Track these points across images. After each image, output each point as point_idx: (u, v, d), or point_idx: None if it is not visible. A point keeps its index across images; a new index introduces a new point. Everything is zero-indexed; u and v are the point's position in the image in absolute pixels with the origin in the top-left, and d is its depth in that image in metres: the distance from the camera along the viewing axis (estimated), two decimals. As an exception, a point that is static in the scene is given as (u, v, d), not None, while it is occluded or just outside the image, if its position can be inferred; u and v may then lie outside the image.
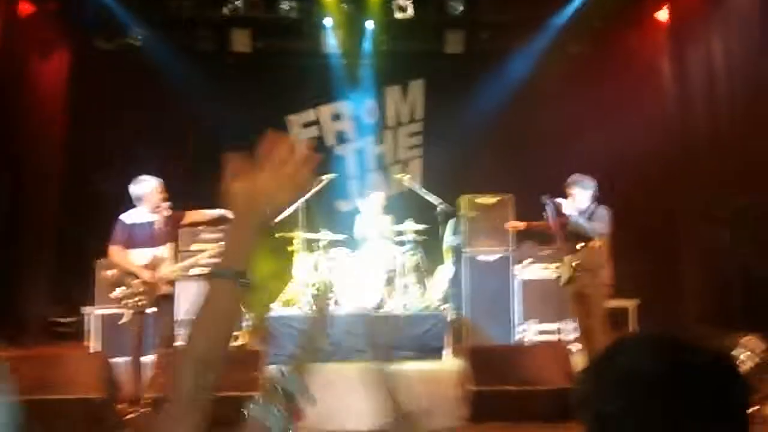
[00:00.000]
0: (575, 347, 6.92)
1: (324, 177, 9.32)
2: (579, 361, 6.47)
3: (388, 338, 8.48)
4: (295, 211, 8.97)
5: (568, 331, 7.53)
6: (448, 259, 9.55)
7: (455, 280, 9.49)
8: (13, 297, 8.79)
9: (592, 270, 6.70)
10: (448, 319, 9.01)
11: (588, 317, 6.71)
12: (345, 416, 5.78)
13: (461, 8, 10.39)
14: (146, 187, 6.34)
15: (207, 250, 7.31)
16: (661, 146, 9.27)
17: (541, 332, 9.14)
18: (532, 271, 9.43)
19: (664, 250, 9.40)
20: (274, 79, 11.05)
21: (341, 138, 12.01)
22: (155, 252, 6.34)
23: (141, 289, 6.21)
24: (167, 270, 6.38)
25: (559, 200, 6.89)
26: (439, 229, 9.42)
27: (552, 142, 10.34)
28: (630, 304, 9.30)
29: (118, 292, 6.24)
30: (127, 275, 6.25)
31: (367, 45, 11.13)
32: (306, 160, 1.41)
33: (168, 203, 6.45)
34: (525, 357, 6.47)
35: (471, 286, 9.31)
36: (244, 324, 9.22)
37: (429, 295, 9.45)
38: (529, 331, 9.23)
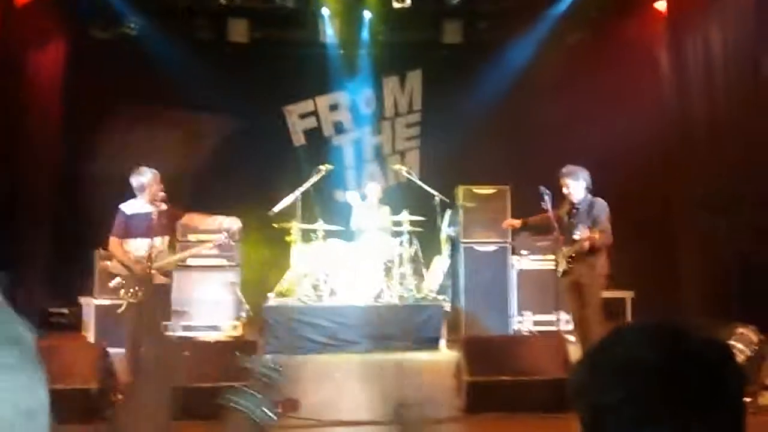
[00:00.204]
0: (570, 339, 6.93)
1: (321, 167, 9.32)
2: (574, 352, 6.48)
3: (383, 329, 8.51)
4: (293, 202, 8.97)
5: (563, 322, 7.53)
6: (445, 249, 9.56)
7: (452, 271, 9.51)
8: (11, 287, 8.78)
9: (589, 260, 6.70)
10: (445, 309, 9.03)
11: (584, 307, 6.72)
12: (341, 407, 5.79)
13: (459, -2, 10.36)
14: (145, 178, 6.34)
15: (204, 242, 7.32)
16: (659, 135, 9.27)
17: (538, 323, 9.16)
18: (528, 261, 9.44)
19: (662, 239, 9.41)
20: (272, 69, 11.02)
21: (339, 128, 11.99)
22: (152, 242, 6.33)
23: (137, 280, 6.21)
24: (164, 261, 6.38)
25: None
26: (437, 219, 9.43)
27: (550, 132, 10.34)
28: (627, 294, 9.32)
29: (115, 282, 6.25)
30: (124, 266, 6.26)
31: (365, 35, 11.10)
32: None
33: (164, 194, 6.44)
34: (521, 347, 6.47)
35: (468, 277, 9.33)
36: (240, 314, 9.24)
37: (426, 285, 9.47)
38: (525, 322, 9.26)
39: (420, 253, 9.55)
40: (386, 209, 9.77)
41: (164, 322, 6.67)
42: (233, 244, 8.27)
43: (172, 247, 6.65)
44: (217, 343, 7.67)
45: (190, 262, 7.60)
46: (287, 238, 9.28)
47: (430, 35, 11.12)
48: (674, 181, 9.35)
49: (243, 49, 10.89)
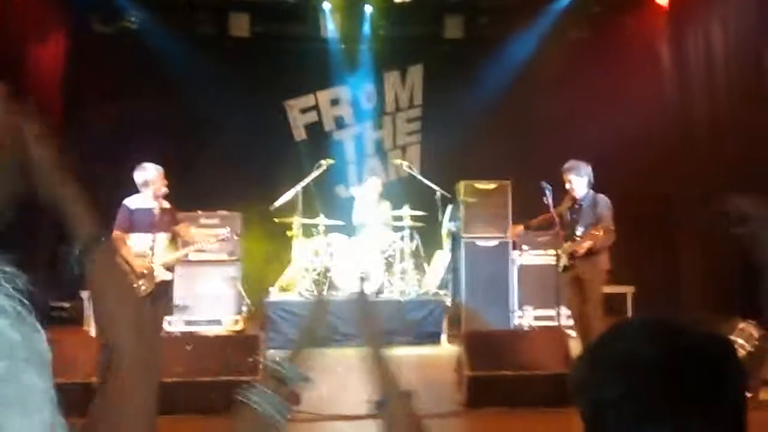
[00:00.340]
0: (571, 333, 6.93)
1: (323, 162, 9.32)
2: (575, 347, 6.48)
3: (382, 323, 8.51)
4: (294, 197, 8.98)
5: (564, 317, 7.53)
6: (446, 244, 9.56)
7: (453, 266, 9.51)
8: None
9: (590, 257, 6.68)
10: (446, 304, 9.04)
11: (584, 303, 6.71)
12: (342, 401, 5.80)
13: (460, -7, 10.37)
14: (147, 175, 6.36)
15: (204, 237, 7.32)
16: (660, 131, 9.26)
17: (539, 318, 9.16)
18: (529, 256, 9.44)
19: (663, 235, 9.41)
20: (273, 64, 11.01)
21: (340, 123, 11.99)
22: (155, 237, 6.36)
23: (140, 274, 6.22)
24: (168, 257, 6.41)
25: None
26: (438, 214, 9.43)
27: (551, 127, 10.32)
28: (628, 289, 9.32)
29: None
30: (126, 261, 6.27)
31: (366, 30, 11.09)
32: None
33: (167, 190, 6.46)
34: (522, 342, 6.48)
35: (469, 272, 9.32)
36: (241, 308, 9.25)
37: (427, 280, 9.48)
38: (526, 317, 9.26)
39: (421, 248, 9.56)
40: (387, 204, 9.77)
41: (164, 317, 6.70)
42: (236, 238, 8.30)
43: (173, 243, 6.69)
44: (218, 337, 7.67)
45: (191, 256, 7.61)
46: (288, 233, 9.28)
47: (431, 30, 11.12)
48: (675, 176, 9.33)
49: (244, 44, 10.89)
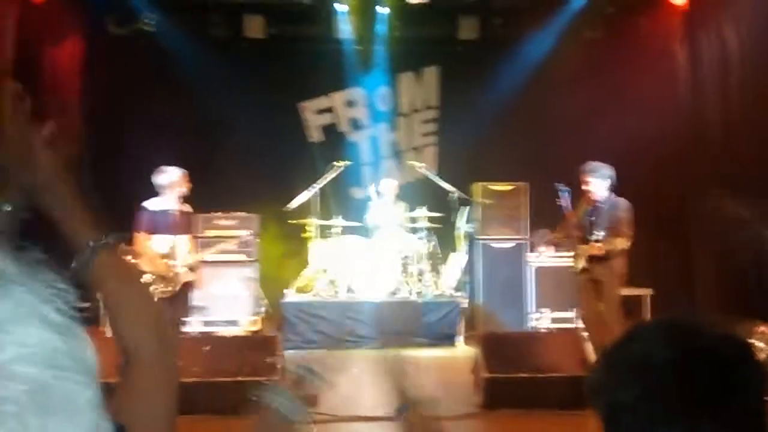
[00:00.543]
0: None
1: (338, 164, 9.34)
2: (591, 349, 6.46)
3: (400, 325, 8.52)
4: (310, 198, 9.01)
5: (580, 320, 7.51)
6: (462, 246, 9.56)
7: (469, 268, 9.50)
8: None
9: (607, 260, 6.66)
10: (462, 306, 9.04)
11: (600, 302, 6.69)
12: (359, 403, 5.81)
13: (475, -6, 10.35)
14: (171, 177, 6.43)
15: (227, 238, 7.40)
16: (674, 131, 9.20)
17: (556, 320, 9.13)
18: (546, 258, 9.41)
19: (679, 237, 9.34)
20: (288, 66, 11.01)
21: (355, 125, 11.99)
22: (176, 239, 6.43)
23: (162, 276, 6.28)
24: (189, 258, 6.48)
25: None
26: (453, 216, 9.42)
27: (567, 128, 10.28)
28: (645, 292, 9.27)
29: (145, 279, 6.30)
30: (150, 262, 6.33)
31: (381, 31, 11.08)
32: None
33: (187, 192, 6.54)
34: (539, 344, 6.47)
35: (485, 274, 9.31)
36: (259, 309, 9.28)
37: (443, 282, 9.47)
38: (542, 319, 9.23)
39: (437, 250, 9.55)
40: (402, 206, 9.77)
41: (183, 318, 6.76)
42: (256, 240, 8.34)
43: (193, 244, 6.75)
44: (236, 338, 7.71)
45: (208, 257, 7.66)
46: (304, 234, 9.31)
47: (447, 31, 11.09)
48: (691, 177, 9.27)
49: (259, 46, 10.90)
